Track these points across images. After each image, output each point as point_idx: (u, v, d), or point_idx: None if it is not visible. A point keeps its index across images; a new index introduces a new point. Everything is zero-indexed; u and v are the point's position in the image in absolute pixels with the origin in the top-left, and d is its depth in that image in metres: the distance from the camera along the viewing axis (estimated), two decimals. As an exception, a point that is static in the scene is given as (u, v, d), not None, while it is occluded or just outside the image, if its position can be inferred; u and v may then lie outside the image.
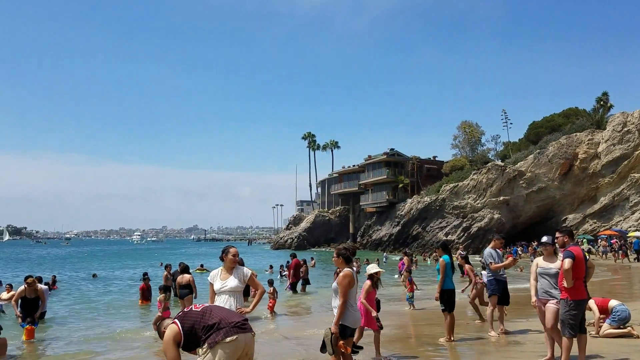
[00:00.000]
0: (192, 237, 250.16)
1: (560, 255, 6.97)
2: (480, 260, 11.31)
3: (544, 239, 6.85)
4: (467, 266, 12.15)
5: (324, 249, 63.69)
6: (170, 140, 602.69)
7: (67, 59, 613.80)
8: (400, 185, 58.50)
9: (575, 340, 6.07)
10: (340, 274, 5.46)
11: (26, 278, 10.95)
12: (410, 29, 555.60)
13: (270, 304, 13.08)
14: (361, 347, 7.02)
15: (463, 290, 12.45)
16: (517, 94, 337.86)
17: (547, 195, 46.94)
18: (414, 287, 13.99)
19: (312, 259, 31.53)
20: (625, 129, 43.47)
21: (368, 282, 7.38)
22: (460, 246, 40.98)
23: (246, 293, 9.33)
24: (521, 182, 47.13)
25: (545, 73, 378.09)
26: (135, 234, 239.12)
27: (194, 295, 12.37)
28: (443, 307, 8.36)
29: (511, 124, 67.84)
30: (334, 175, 74.91)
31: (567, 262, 5.92)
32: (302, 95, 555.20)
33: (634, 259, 31.14)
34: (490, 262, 8.80)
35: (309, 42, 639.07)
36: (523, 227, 48.93)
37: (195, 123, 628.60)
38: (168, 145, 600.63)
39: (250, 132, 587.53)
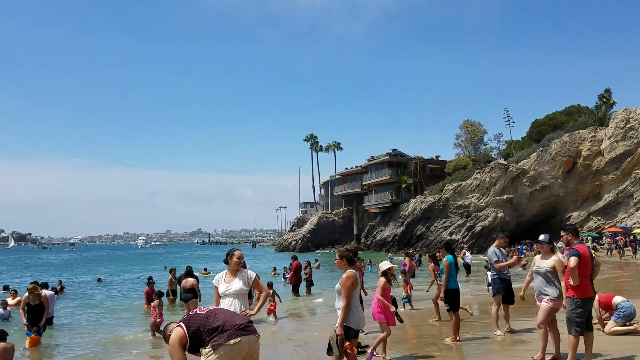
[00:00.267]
0: (196, 240, 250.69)
1: (559, 254, 6.97)
2: (484, 260, 11.36)
3: (541, 237, 6.84)
4: (430, 265, 12.76)
5: (328, 251, 63.65)
6: (174, 145, 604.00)
7: (71, 64, 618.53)
8: (404, 186, 58.46)
9: (582, 338, 6.04)
10: (343, 275, 5.47)
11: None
12: (410, 29, 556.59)
13: (271, 307, 12.99)
14: (367, 347, 7.02)
15: (427, 290, 13.44)
16: (519, 92, 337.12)
17: (551, 193, 46.83)
18: (410, 288, 13.95)
19: (317, 260, 31.53)
20: (629, 126, 43.32)
21: (383, 279, 7.41)
22: (465, 245, 40.91)
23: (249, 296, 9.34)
24: (524, 180, 47.03)
25: (547, 70, 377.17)
26: (139, 238, 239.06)
27: (198, 298, 12.42)
28: (448, 307, 8.39)
29: (513, 122, 68.00)
30: (337, 176, 74.86)
31: (573, 260, 5.87)
32: (303, 97, 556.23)
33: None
34: (495, 261, 8.80)
35: (309, 44, 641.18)
36: (527, 225, 48.76)
37: (198, 127, 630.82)
38: (171, 150, 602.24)
39: (253, 135, 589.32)
